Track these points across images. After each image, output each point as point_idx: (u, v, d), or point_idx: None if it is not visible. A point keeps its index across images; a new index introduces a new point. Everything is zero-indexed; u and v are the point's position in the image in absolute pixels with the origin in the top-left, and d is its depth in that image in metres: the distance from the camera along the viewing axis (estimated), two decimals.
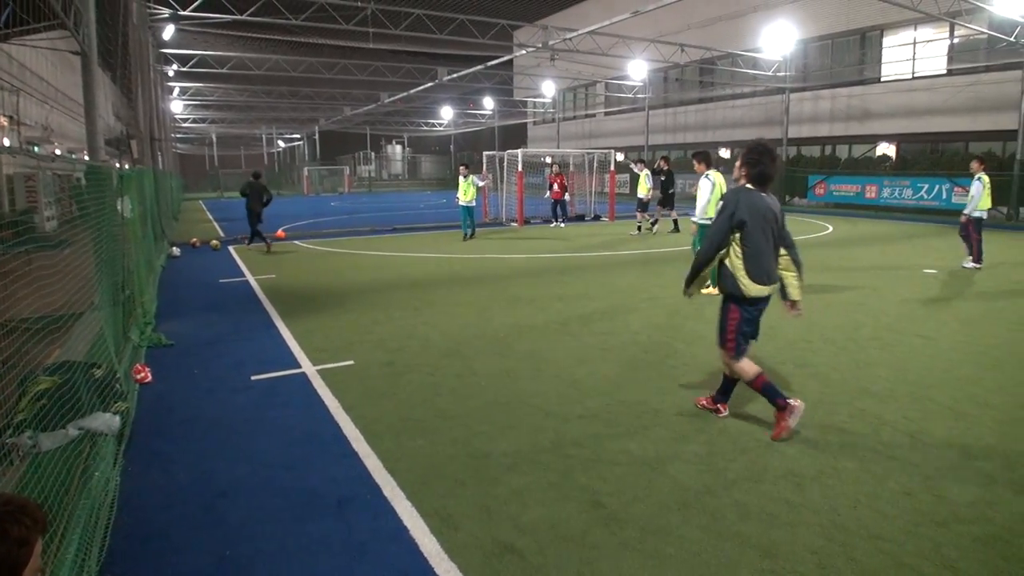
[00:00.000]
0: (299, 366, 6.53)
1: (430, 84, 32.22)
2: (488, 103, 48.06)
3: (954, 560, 3.21)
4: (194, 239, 16.84)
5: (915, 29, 24.67)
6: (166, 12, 17.92)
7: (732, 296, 4.73)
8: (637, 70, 29.46)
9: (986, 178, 11.59)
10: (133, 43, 15.75)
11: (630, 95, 36.55)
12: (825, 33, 27.63)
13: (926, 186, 22.99)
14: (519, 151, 21.73)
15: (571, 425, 4.94)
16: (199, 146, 60.16)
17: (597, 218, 22.98)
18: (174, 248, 15.18)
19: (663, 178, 18.06)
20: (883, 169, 25.63)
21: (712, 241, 4.68)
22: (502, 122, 52.20)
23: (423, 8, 21.30)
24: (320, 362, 6.58)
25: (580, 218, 22.91)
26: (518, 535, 3.48)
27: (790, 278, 4.85)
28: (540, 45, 23.24)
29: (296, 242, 17.04)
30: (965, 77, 23.17)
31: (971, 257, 11.88)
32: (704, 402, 5.22)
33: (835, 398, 5.44)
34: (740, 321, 4.72)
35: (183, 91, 37.58)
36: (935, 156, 24.22)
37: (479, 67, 28.61)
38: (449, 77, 29.94)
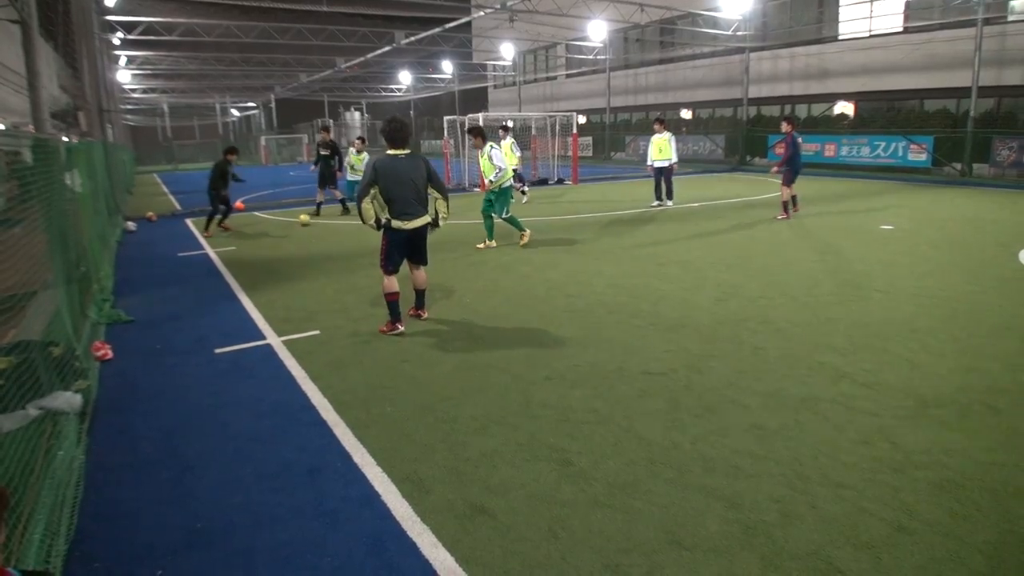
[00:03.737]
0: (263, 338, 6.46)
1: (387, 48, 31.60)
2: (447, 67, 47.35)
3: (911, 504, 3.33)
4: (150, 213, 16.44)
5: None
6: None
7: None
8: (597, 31, 29.21)
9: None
10: (75, 10, 15.14)
11: (591, 57, 36.30)
12: None
13: (883, 144, 23.35)
14: (479, 115, 21.52)
15: (538, 387, 4.99)
16: (151, 117, 58.33)
17: (560, 182, 22.94)
18: (129, 223, 14.78)
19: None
20: (841, 127, 25.95)
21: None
22: (462, 86, 51.51)
23: None
24: (285, 333, 6.52)
25: (543, 182, 22.84)
26: (489, 496, 3.52)
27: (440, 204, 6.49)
28: (498, 6, 22.88)
29: (256, 213, 16.73)
30: (920, 35, 23.44)
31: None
32: (385, 329, 6.44)
33: (796, 352, 5.56)
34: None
35: (131, 60, 36.26)
36: (892, 114, 24.59)
37: (437, 29, 28.14)
38: (407, 41, 29.37)
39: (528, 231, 10.93)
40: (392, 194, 6.10)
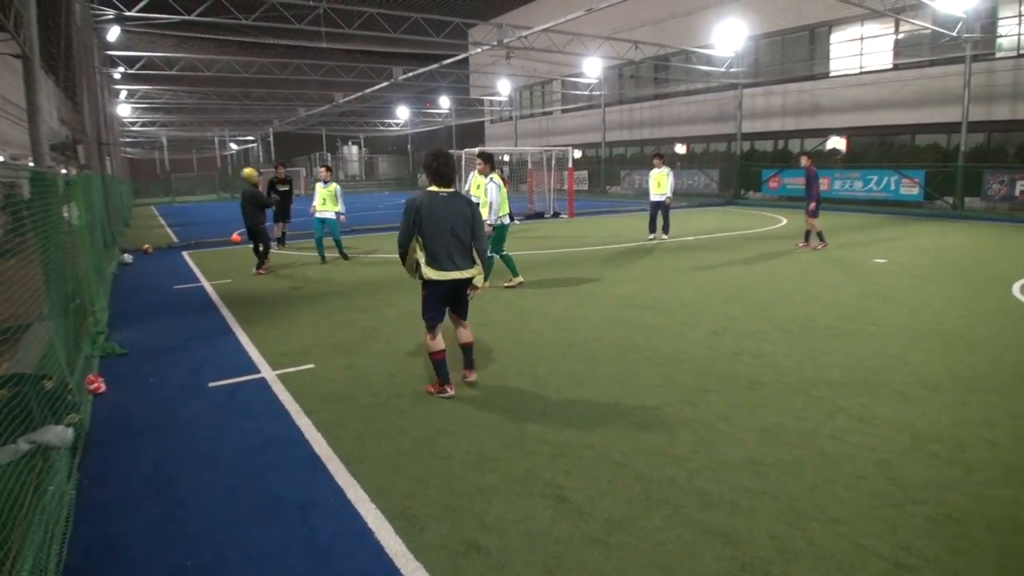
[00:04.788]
0: (258, 371, 6.43)
1: (385, 84, 31.96)
2: (445, 102, 47.87)
3: (909, 540, 3.31)
4: (146, 245, 16.46)
5: (862, 25, 25.29)
6: (111, 13, 17.44)
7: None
8: (592, 67, 29.66)
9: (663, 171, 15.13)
10: (77, 45, 15.31)
11: (586, 92, 36.77)
12: (775, 29, 28.17)
13: (875, 178, 23.58)
14: (476, 149, 21.70)
15: (533, 422, 4.96)
16: (149, 150, 58.70)
17: (556, 215, 23.07)
18: (126, 255, 14.79)
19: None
20: (834, 162, 26.22)
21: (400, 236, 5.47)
22: (459, 121, 52.04)
23: (376, 7, 21.12)
24: (280, 366, 6.49)
25: (539, 216, 22.97)
26: (483, 533, 3.49)
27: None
28: (495, 43, 23.23)
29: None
30: (911, 71, 23.82)
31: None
32: (432, 388, 5.68)
33: (791, 387, 5.56)
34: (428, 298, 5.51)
35: (131, 94, 36.65)
36: (883, 149, 24.87)
37: (434, 66, 28.50)
38: (404, 76, 29.70)
39: (521, 278, 10.38)
40: (431, 239, 5.30)
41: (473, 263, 5.50)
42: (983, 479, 3.90)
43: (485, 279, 9.64)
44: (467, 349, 5.84)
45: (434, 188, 5.38)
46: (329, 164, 14.98)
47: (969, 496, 3.72)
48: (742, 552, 3.25)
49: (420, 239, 5.30)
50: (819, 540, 3.33)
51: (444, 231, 5.29)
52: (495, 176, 9.82)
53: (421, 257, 5.32)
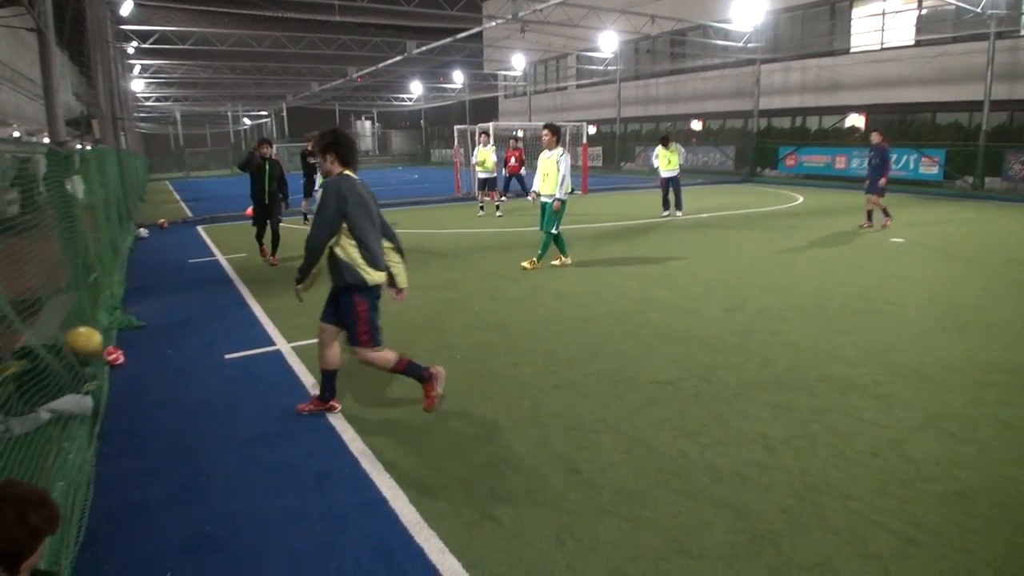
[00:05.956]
0: (273, 344, 6.49)
1: (399, 58, 31.77)
2: (458, 77, 47.54)
3: (919, 516, 3.32)
4: (162, 220, 16.56)
5: (884, 0, 24.82)
6: None
7: (355, 287, 4.48)
8: (608, 42, 29.30)
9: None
10: (91, 19, 15.32)
11: (601, 67, 36.40)
12: (795, 4, 27.66)
13: (894, 156, 23.27)
14: (490, 124, 21.59)
15: (546, 395, 4.99)
16: (164, 125, 58.85)
17: (571, 192, 22.94)
18: (142, 229, 14.91)
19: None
20: (852, 140, 25.89)
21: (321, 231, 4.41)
22: (473, 96, 51.71)
23: None
24: (294, 339, 6.55)
25: None
26: (496, 503, 3.53)
27: (396, 266, 4.82)
28: (510, 16, 22.98)
29: None
30: (933, 48, 23.37)
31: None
32: (310, 407, 4.80)
33: (806, 364, 5.54)
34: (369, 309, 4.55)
35: (144, 69, 36.64)
36: (903, 127, 24.51)
37: (448, 39, 28.26)
38: (418, 50, 29.49)
39: (569, 259, 9.98)
40: (365, 232, 4.42)
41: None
42: (995, 458, 3.89)
43: (564, 254, 9.37)
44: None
45: (348, 172, 4.53)
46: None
47: (980, 475, 3.71)
48: (753, 525, 3.27)
49: (352, 235, 4.39)
50: (829, 514, 3.35)
51: (375, 222, 4.54)
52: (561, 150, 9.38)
53: (356, 257, 4.41)
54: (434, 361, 5.76)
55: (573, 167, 9.81)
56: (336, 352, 4.71)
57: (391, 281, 4.82)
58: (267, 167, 10.43)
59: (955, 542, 3.10)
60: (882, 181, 12.97)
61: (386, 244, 4.70)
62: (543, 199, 9.59)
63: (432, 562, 3.06)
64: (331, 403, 4.82)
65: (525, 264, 9.78)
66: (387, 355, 4.64)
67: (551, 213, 9.48)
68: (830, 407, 4.66)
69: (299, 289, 4.61)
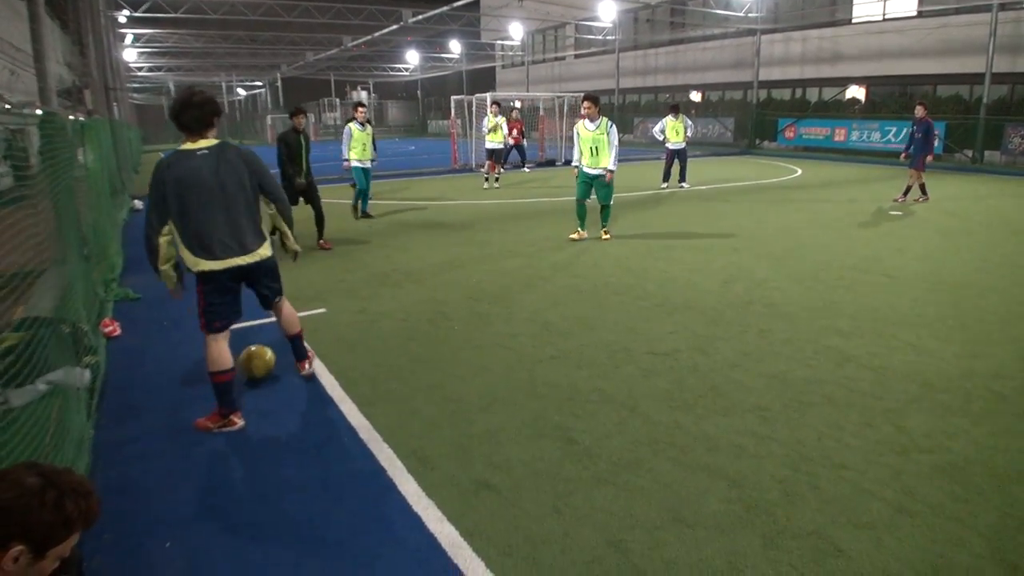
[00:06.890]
0: (270, 315, 6.46)
1: (394, 27, 31.35)
2: (455, 47, 47.01)
3: (913, 487, 3.35)
4: None
5: None
6: None
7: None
8: (607, 11, 28.97)
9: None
10: None
11: (600, 37, 36.00)
12: None
13: (894, 129, 23.15)
14: (487, 95, 21.40)
15: (543, 366, 5.00)
16: (157, 96, 58.24)
17: (568, 163, 22.83)
18: (136, 201, 14.81)
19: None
20: (852, 112, 25.73)
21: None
22: (470, 66, 51.17)
23: None
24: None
25: (551, 163, 22.75)
26: (493, 472, 3.55)
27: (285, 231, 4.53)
28: None
29: None
30: (935, 19, 23.13)
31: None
32: (210, 423, 4.15)
33: (802, 335, 5.56)
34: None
35: (137, 38, 36.13)
36: (904, 99, 24.34)
37: (445, 8, 27.91)
38: (414, 19, 29.10)
39: (587, 232, 9.77)
40: (192, 218, 3.88)
41: (264, 237, 4.20)
42: (989, 430, 3.92)
43: (582, 227, 9.01)
44: (297, 338, 4.79)
45: (187, 145, 3.91)
46: (364, 102, 12.99)
47: (974, 446, 3.74)
48: (747, 494, 3.30)
49: (174, 221, 3.90)
50: (824, 484, 3.38)
51: (212, 203, 3.89)
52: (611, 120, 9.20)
53: (180, 243, 3.96)
54: (432, 333, 5.79)
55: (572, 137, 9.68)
56: (223, 351, 4.19)
57: (283, 243, 4.53)
58: (302, 141, 9.27)
59: (948, 512, 3.14)
60: (929, 158, 12.79)
61: (269, 211, 4.28)
62: (593, 171, 9.25)
63: (430, 531, 3.09)
64: (231, 417, 4.15)
65: (604, 235, 9.65)
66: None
67: (606, 185, 9.28)
68: (825, 378, 4.68)
69: (170, 291, 4.28)
